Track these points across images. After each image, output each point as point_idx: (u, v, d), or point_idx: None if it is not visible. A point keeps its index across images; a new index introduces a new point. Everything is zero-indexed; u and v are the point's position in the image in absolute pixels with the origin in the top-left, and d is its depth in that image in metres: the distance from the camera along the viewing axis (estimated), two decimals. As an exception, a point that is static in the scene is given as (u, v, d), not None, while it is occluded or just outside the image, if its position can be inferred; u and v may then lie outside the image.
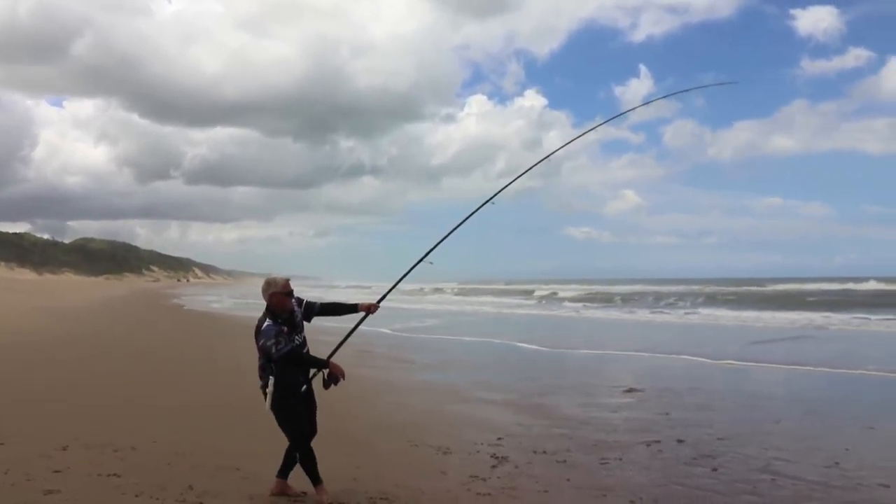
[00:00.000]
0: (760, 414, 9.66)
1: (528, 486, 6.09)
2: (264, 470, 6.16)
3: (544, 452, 7.27)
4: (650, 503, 5.71)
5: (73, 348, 15.87)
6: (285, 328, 5.36)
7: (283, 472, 5.60)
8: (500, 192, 6.76)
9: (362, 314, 5.81)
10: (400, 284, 6.19)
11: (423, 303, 48.31)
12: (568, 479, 6.31)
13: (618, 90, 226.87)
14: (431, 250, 6.23)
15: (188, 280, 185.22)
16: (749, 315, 31.18)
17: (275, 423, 5.43)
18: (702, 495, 5.96)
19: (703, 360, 15.24)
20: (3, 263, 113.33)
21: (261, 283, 5.65)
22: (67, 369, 12.34)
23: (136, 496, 5.27)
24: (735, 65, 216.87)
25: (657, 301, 43.89)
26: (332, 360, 5.55)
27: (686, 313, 34.40)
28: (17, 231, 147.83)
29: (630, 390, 11.38)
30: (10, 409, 8.45)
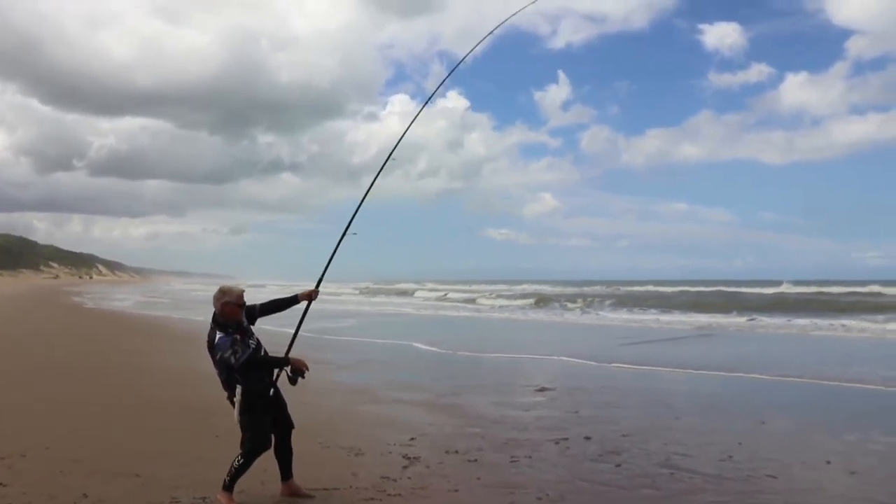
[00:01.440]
0: (662, 410, 10.09)
1: (439, 485, 6.12)
2: (164, 473, 5.95)
3: (456, 452, 7.33)
4: (556, 499, 5.85)
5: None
6: (238, 336, 5.32)
7: (286, 473, 5.59)
8: (397, 144, 7.20)
9: (305, 303, 5.86)
10: (329, 285, 6.21)
11: (336, 303, 47.79)
12: (478, 478, 6.39)
13: (537, 95, 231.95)
14: (351, 220, 6.35)
15: (91, 277, 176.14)
16: (648, 317, 32.53)
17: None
18: (605, 490, 6.16)
19: (595, 363, 15.76)
20: None
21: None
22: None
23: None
24: (648, 74, 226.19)
25: (569, 301, 45.13)
26: (290, 355, 5.55)
27: (595, 313, 35.55)
28: None
29: (542, 389, 11.64)
30: None
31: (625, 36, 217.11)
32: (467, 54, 8.10)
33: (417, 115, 7.48)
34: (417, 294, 62.08)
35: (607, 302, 43.24)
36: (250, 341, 5.40)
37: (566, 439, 8.01)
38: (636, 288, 61.81)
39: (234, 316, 5.37)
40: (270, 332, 6.08)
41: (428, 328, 26.48)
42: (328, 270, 6.19)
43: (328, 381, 12.53)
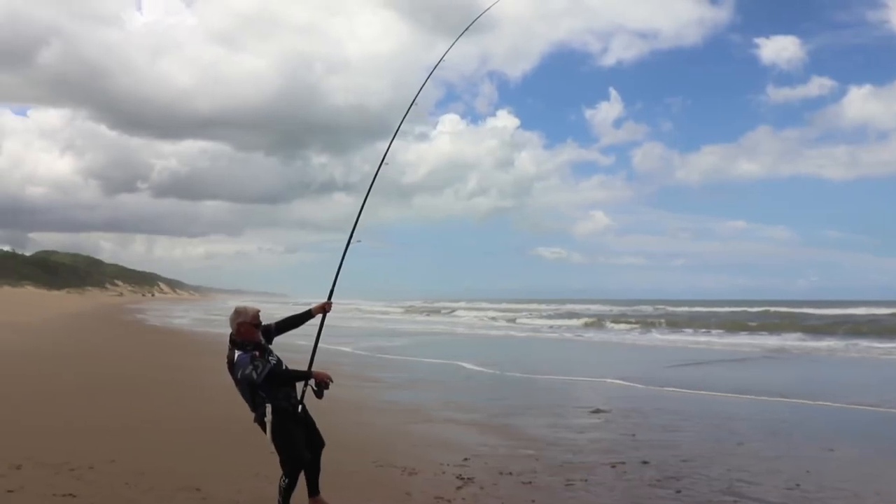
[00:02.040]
0: (724, 435, 9.77)
1: (493, 507, 6.05)
2: (222, 489, 6.05)
3: (510, 473, 7.24)
4: (614, 525, 5.71)
5: (30, 364, 15.42)
6: (256, 353, 5.34)
7: (313, 489, 5.60)
8: (390, 145, 7.28)
9: (319, 316, 5.87)
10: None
11: (385, 322, 48.09)
12: (533, 501, 6.29)
13: (588, 113, 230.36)
14: (355, 226, 6.44)
15: (153, 295, 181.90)
16: (706, 339, 31.61)
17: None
18: (665, 517, 5.99)
19: (649, 386, 15.37)
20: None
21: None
22: (23, 385, 11.98)
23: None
24: (702, 90, 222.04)
25: (622, 321, 44.29)
26: (314, 368, 5.54)
27: (650, 334, 34.74)
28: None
29: (597, 411, 11.43)
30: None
31: (677, 52, 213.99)
32: (445, 53, 7.97)
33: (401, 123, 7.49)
34: (467, 313, 61.92)
35: (662, 322, 42.30)
36: (270, 358, 5.41)
37: (623, 463, 7.83)
38: (693, 308, 60.02)
39: (250, 335, 5.41)
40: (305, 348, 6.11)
41: (477, 348, 26.37)
42: (337, 285, 6.13)
43: (381, 401, 12.60)
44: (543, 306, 75.35)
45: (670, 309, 59.61)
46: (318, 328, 5.85)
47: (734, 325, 39.30)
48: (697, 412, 11.84)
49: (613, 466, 7.68)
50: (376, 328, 40.44)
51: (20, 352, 18.10)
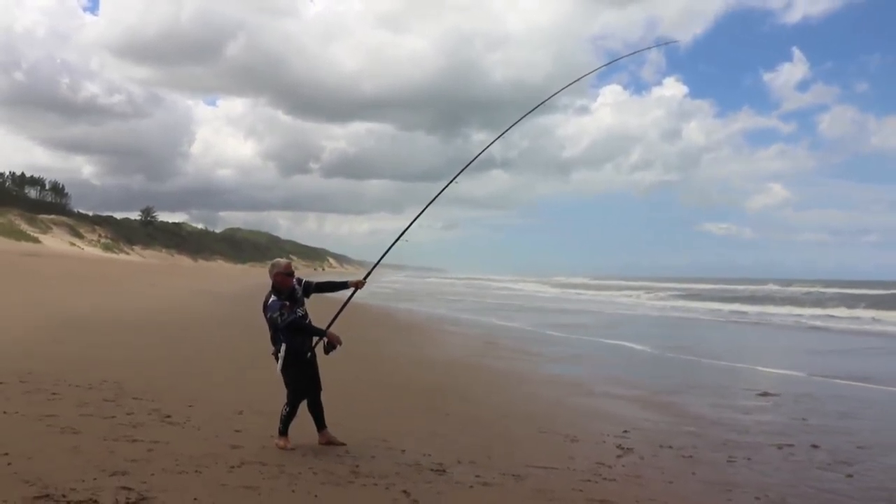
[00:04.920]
0: (909, 426, 9.23)
1: (653, 476, 6.35)
2: (407, 443, 6.85)
3: (670, 447, 7.45)
4: (777, 502, 5.79)
5: (229, 328, 17.64)
6: (287, 303, 6.35)
7: (320, 424, 6.57)
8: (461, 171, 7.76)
9: (352, 290, 6.78)
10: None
11: (546, 300, 48.18)
12: (693, 473, 6.50)
13: (767, 76, 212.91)
14: (407, 229, 7.33)
15: (323, 269, 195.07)
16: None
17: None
18: (832, 499, 5.96)
19: (823, 377, 14.46)
20: (164, 250, 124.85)
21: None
22: (225, 345, 13.84)
23: (303, 455, 6.12)
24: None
25: (802, 304, 41.18)
26: (330, 330, 6.47)
27: (832, 317, 32.07)
28: (177, 221, 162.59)
29: (764, 394, 11.15)
30: (192, 378, 9.76)
31: (877, 1, 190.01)
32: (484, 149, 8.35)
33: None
34: (621, 293, 60.38)
35: (849, 305, 38.72)
36: (298, 310, 6.39)
37: (791, 445, 7.74)
38: (888, 291, 53.64)
39: (285, 283, 6.38)
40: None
41: (637, 328, 26.00)
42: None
43: (543, 374, 13.11)
44: (710, 286, 71.74)
45: (856, 291, 54.25)
46: (347, 298, 6.88)
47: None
48: (880, 401, 11.15)
49: (780, 448, 7.62)
50: (531, 306, 40.95)
51: (221, 317, 20.67)
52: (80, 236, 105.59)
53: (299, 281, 6.59)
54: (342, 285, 6.87)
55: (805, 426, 8.88)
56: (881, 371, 14.42)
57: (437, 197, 7.61)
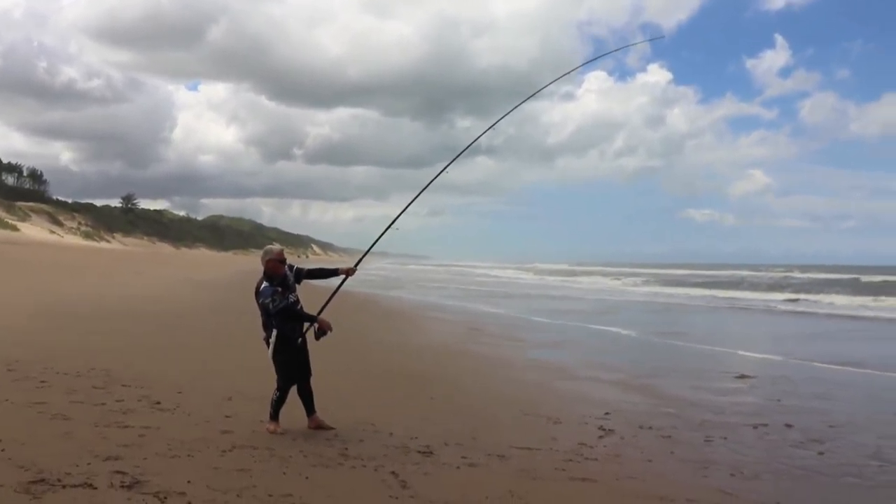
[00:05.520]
0: (880, 405, 9.54)
1: (633, 455, 6.57)
2: (395, 426, 7.01)
3: (650, 428, 7.68)
4: (751, 477, 6.04)
5: (218, 315, 17.68)
6: (279, 289, 6.47)
7: (310, 409, 6.71)
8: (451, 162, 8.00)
9: (343, 277, 6.94)
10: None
11: (525, 286, 48.52)
12: (672, 452, 6.74)
13: (750, 63, 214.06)
14: (397, 217, 7.50)
15: (307, 257, 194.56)
16: (881, 305, 29.33)
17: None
18: (803, 475, 6.21)
19: (802, 360, 14.83)
20: (146, 238, 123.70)
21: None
22: (214, 332, 13.92)
23: (293, 439, 6.26)
24: (887, 32, 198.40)
25: (781, 288, 41.86)
26: (321, 316, 6.60)
27: (812, 301, 32.69)
28: (158, 208, 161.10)
29: (742, 377, 11.44)
30: (180, 365, 9.83)
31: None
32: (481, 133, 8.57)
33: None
34: (605, 279, 60.93)
35: (827, 290, 39.41)
36: (290, 296, 6.51)
37: (765, 425, 8.00)
38: (872, 277, 54.20)
39: (276, 270, 6.49)
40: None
41: (619, 313, 26.35)
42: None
43: (527, 359, 13.32)
44: (693, 272, 72.57)
45: (834, 276, 55.15)
46: (337, 285, 7.02)
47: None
48: (854, 383, 11.48)
49: (755, 427, 7.88)
50: (515, 293, 41.26)
51: (208, 304, 20.68)
52: (59, 224, 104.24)
53: (291, 267, 6.71)
54: (333, 272, 7.01)
55: (780, 407, 9.17)
56: (855, 354, 14.80)
57: (427, 186, 7.75)
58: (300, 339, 6.62)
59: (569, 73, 9.73)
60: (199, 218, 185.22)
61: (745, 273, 65.20)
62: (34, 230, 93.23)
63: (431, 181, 7.78)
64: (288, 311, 6.51)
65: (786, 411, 8.86)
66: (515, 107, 8.72)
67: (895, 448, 7.12)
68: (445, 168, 7.86)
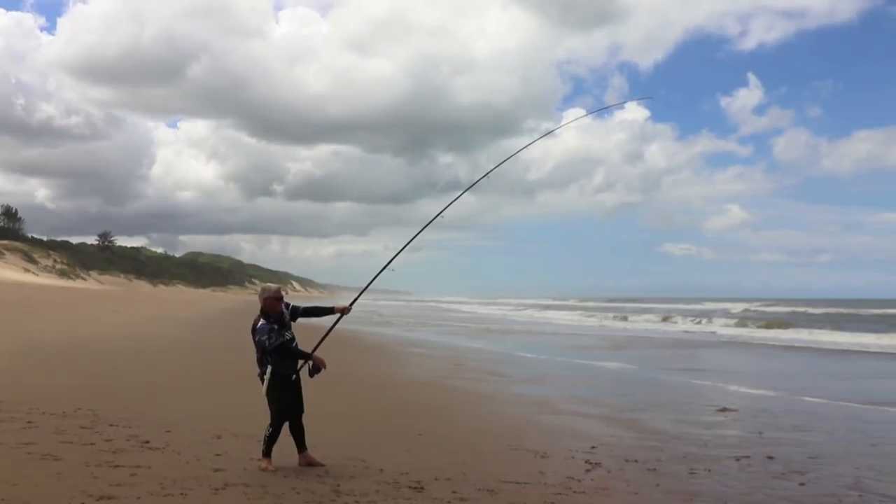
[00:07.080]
0: (858, 437, 9.75)
1: (620, 488, 6.68)
2: (384, 462, 7.07)
3: (636, 461, 7.80)
4: (735, 508, 6.17)
5: (197, 353, 17.57)
6: (276, 326, 6.59)
7: (301, 446, 6.79)
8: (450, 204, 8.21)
9: (338, 315, 7.01)
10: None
11: (508, 322, 48.58)
12: (657, 485, 6.86)
13: (724, 101, 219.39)
14: (393, 258, 7.67)
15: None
16: (860, 340, 29.82)
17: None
18: (786, 505, 6.36)
19: (784, 393, 15.07)
20: (122, 275, 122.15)
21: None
22: (197, 370, 13.85)
23: (285, 476, 6.29)
24: (857, 71, 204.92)
25: (759, 322, 42.39)
26: (315, 353, 6.72)
27: (791, 334, 33.13)
28: (135, 245, 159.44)
29: (723, 410, 11.62)
30: (166, 404, 9.80)
31: (828, 30, 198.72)
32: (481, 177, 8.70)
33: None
34: (583, 314, 61.22)
35: (804, 324, 39.95)
36: (286, 333, 6.65)
37: (748, 457, 8.16)
38: (838, 309, 55.49)
39: (274, 308, 6.63)
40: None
41: (602, 348, 26.54)
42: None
43: (511, 393, 13.41)
44: (671, 305, 73.18)
45: (811, 310, 56.01)
46: (332, 324, 7.13)
47: (890, 326, 36.52)
48: (833, 415, 11.69)
49: (738, 459, 8.04)
50: (497, 328, 41.34)
51: (187, 342, 20.53)
52: (34, 262, 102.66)
53: (287, 305, 6.81)
54: (329, 311, 7.09)
55: (761, 439, 9.34)
56: (834, 387, 15.08)
57: (423, 229, 7.90)
58: (294, 376, 6.70)
59: (578, 118, 10.23)
60: (178, 255, 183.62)
61: (726, 305, 65.93)
62: (8, 269, 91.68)
63: (427, 225, 7.93)
64: (283, 348, 6.61)
65: (767, 443, 9.03)
66: (520, 150, 9.37)
67: (874, 478, 7.30)
68: (441, 213, 8.01)
